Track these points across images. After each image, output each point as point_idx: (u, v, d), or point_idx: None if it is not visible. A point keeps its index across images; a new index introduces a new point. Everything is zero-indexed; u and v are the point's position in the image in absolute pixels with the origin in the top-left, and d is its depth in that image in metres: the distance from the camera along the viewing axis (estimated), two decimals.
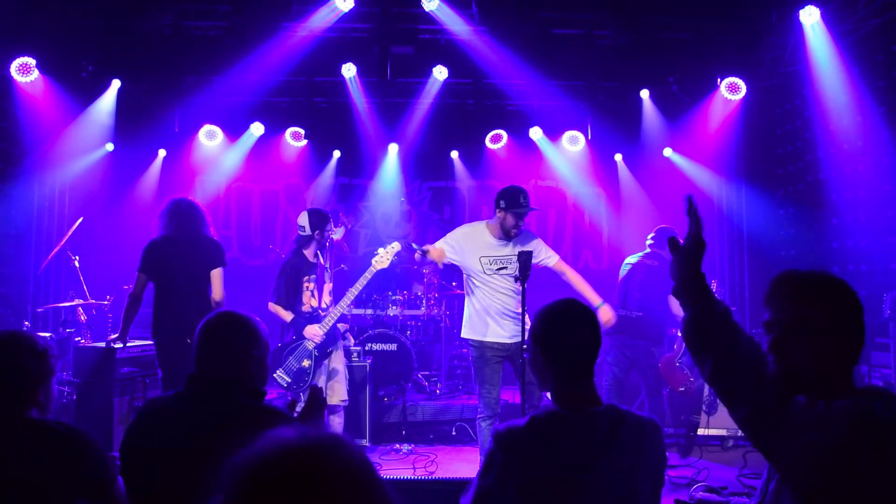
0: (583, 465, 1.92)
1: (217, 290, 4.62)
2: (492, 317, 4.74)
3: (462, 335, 4.95)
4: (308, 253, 5.28)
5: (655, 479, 2.04)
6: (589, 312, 2.11)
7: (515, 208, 4.60)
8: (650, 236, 6.12)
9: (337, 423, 5.33)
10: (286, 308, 5.12)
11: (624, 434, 1.96)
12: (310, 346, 5.15)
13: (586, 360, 2.06)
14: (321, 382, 5.19)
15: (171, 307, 4.60)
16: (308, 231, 5.18)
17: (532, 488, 1.94)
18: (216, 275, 4.62)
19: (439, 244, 4.87)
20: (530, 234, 5.00)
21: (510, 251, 4.65)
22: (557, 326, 2.10)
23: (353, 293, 5.16)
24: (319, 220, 5.25)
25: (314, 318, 5.21)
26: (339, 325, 5.45)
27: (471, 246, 4.77)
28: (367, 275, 5.15)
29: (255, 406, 2.16)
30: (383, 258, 5.13)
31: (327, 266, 5.50)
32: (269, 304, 5.19)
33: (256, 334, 2.23)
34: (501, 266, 4.68)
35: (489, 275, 4.70)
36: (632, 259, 6.15)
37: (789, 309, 1.72)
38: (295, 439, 0.94)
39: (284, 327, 5.41)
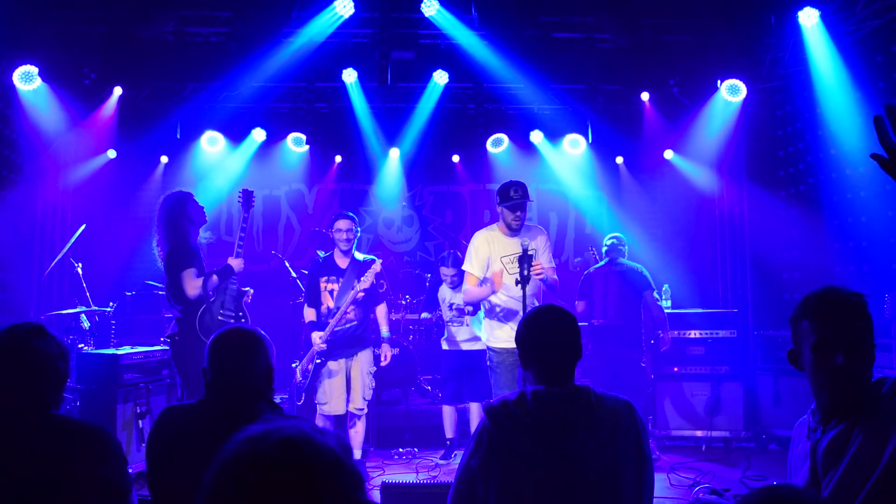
0: (563, 428, 2.07)
1: (186, 290, 4.51)
2: (510, 321, 4.75)
3: (485, 342, 4.96)
4: (337, 254, 5.40)
5: (639, 465, 2.11)
6: (563, 317, 2.29)
7: (506, 201, 4.70)
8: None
9: (353, 433, 5.34)
10: (312, 307, 5.40)
11: (600, 408, 2.12)
12: (315, 349, 5.21)
13: (557, 360, 2.23)
14: (331, 387, 5.28)
15: (185, 317, 4.61)
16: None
17: (515, 461, 2.06)
18: (183, 278, 4.52)
19: (472, 270, 4.85)
20: (538, 229, 4.99)
21: (518, 248, 4.55)
22: (534, 328, 2.29)
23: (339, 312, 5.21)
24: (331, 220, 5.40)
25: (320, 324, 5.27)
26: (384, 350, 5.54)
27: (493, 250, 4.81)
28: (352, 294, 5.19)
29: (276, 416, 2.25)
30: (366, 280, 5.16)
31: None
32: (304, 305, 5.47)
33: (264, 349, 2.34)
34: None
35: (511, 274, 4.66)
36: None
37: (849, 326, 1.86)
38: (257, 437, 1.00)
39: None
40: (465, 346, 5.89)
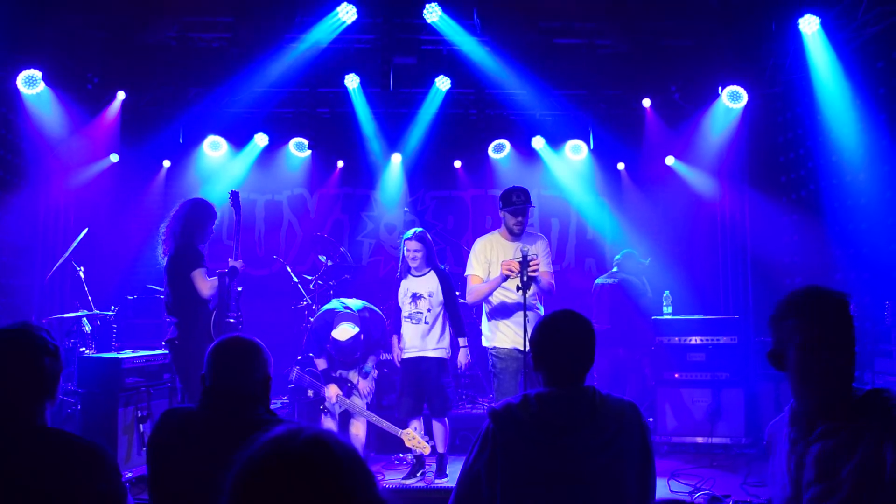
0: (567, 428, 2.09)
1: (200, 289, 4.60)
2: (510, 324, 4.80)
3: (485, 345, 4.98)
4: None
5: (643, 466, 2.12)
6: (579, 322, 2.31)
7: (509, 206, 4.79)
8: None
9: (353, 433, 5.44)
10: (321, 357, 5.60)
11: (605, 409, 2.14)
12: (327, 397, 5.49)
13: (570, 363, 2.25)
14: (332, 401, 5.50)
15: (185, 321, 4.67)
16: None
17: (520, 462, 2.07)
18: (194, 277, 4.60)
19: (475, 272, 4.92)
20: (538, 236, 5.06)
21: (518, 253, 4.52)
22: (549, 332, 2.30)
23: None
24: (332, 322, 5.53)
25: (345, 386, 5.53)
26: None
27: (493, 254, 4.87)
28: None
29: (273, 420, 2.33)
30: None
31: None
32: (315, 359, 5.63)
33: (263, 359, 2.41)
34: None
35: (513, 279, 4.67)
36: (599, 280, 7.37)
37: (835, 325, 1.86)
38: (286, 436, 1.02)
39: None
40: (414, 353, 5.41)
